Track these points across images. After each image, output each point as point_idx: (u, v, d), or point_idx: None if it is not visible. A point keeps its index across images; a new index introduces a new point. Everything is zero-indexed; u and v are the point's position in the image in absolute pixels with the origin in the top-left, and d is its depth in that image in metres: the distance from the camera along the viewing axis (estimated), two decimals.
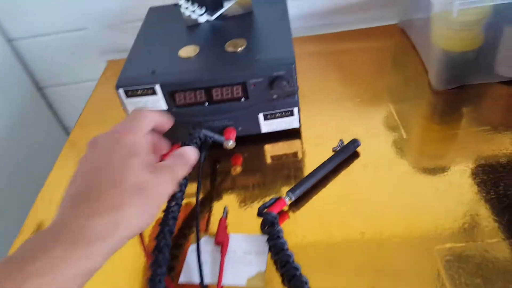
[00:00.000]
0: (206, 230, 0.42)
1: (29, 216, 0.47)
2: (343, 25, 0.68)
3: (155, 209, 0.32)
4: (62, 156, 0.55)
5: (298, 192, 0.42)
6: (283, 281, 0.36)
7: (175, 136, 0.48)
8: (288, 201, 0.41)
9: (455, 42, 0.46)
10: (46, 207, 0.48)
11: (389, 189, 0.42)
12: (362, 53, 0.63)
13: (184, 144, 0.43)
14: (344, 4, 0.67)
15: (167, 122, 0.39)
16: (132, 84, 0.44)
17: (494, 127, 0.46)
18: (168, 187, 0.33)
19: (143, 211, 0.30)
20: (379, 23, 0.67)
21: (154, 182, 0.32)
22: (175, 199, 0.39)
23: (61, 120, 0.83)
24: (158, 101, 0.45)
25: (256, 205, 0.43)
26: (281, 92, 0.43)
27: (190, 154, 0.37)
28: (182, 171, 0.36)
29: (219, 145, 0.46)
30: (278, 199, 0.42)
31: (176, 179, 0.34)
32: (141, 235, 0.40)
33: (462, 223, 0.38)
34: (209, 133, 0.44)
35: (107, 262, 0.28)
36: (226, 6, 0.54)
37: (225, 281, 0.37)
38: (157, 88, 0.43)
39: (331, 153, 0.46)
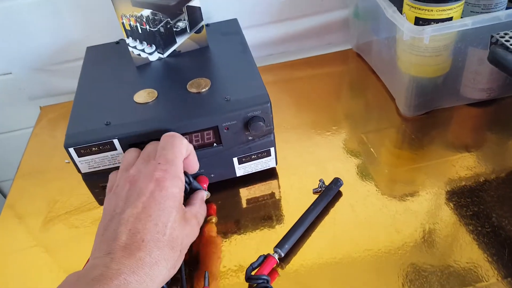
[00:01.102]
0: None
1: None
2: (298, 53, 0.67)
3: (181, 260, 0.34)
4: (2, 222, 0.46)
5: (287, 246, 0.38)
6: None
7: None
8: (277, 258, 0.37)
9: (424, 68, 0.46)
10: None
11: (382, 233, 0.40)
12: (321, 81, 0.62)
13: None
14: (296, 31, 0.66)
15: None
16: (85, 141, 0.37)
17: (466, 148, 0.46)
18: (194, 237, 0.35)
19: (174, 266, 0.32)
20: (335, 49, 0.67)
21: (185, 235, 0.33)
22: None
23: None
24: (118, 156, 0.39)
25: (240, 260, 0.38)
26: (257, 133, 0.39)
27: (204, 197, 0.40)
28: (203, 217, 0.38)
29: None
30: (266, 257, 0.37)
31: (199, 226, 0.37)
32: None
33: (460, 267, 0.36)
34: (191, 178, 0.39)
35: None
36: (179, 41, 0.50)
37: None
38: (116, 142, 0.38)
39: (310, 193, 0.44)
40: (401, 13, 0.46)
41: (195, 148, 0.40)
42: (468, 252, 0.37)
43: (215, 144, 0.41)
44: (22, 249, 0.43)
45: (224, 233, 0.42)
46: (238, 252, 0.40)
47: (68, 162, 0.52)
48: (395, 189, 0.44)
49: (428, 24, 0.44)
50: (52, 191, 0.49)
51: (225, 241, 0.41)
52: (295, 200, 0.43)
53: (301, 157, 0.49)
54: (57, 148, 0.54)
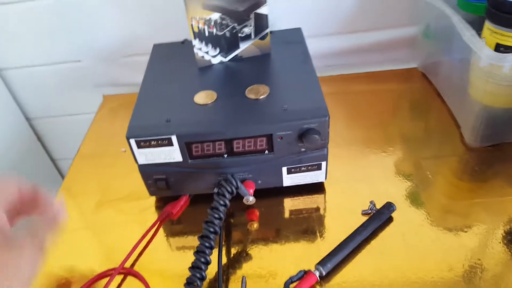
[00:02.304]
0: None
1: None
2: (359, 66, 0.66)
3: None
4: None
5: (329, 265, 0.37)
6: None
7: (187, 188, 0.44)
8: (317, 275, 0.36)
9: (499, 98, 0.43)
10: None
11: (434, 263, 0.37)
12: (380, 97, 0.60)
13: (218, 193, 0.39)
14: (360, 44, 0.64)
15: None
16: (145, 134, 0.39)
17: None
18: (32, 265, 0.27)
19: None
20: (398, 66, 0.65)
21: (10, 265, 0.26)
22: (196, 273, 0.35)
23: (50, 154, 0.78)
24: (173, 152, 0.40)
25: (277, 269, 0.38)
26: (311, 146, 0.39)
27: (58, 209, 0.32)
28: (45, 235, 0.30)
29: (233, 197, 0.41)
30: (306, 272, 0.37)
31: (41, 248, 0.29)
32: None
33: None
34: (239, 183, 0.40)
35: None
36: (242, 47, 0.50)
37: None
38: (174, 139, 0.39)
39: (357, 211, 0.42)
40: (480, 37, 0.44)
41: (246, 153, 0.40)
42: None
43: (266, 151, 0.41)
44: (73, 230, 0.45)
45: (265, 240, 0.41)
46: (276, 262, 0.39)
47: (124, 151, 0.54)
48: (451, 221, 0.41)
49: (511, 51, 0.41)
50: (106, 176, 0.52)
51: (265, 248, 0.40)
52: (341, 219, 0.42)
53: (352, 175, 0.47)
54: (115, 136, 0.57)
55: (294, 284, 0.36)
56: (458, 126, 0.51)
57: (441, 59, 0.55)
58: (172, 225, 0.44)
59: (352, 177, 0.47)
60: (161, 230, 0.44)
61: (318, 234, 0.41)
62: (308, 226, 0.42)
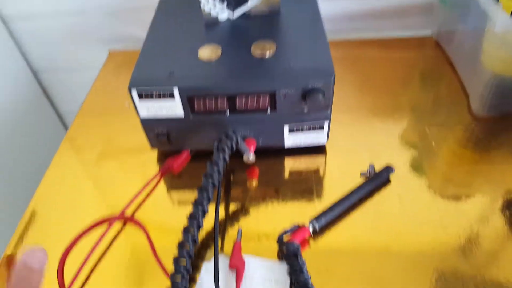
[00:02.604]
0: (221, 249, 0.38)
1: (27, 210, 0.43)
2: (371, 31, 0.64)
3: None
4: (60, 152, 0.50)
5: (323, 221, 0.38)
6: None
7: (189, 143, 0.45)
8: (311, 230, 0.37)
9: (511, 66, 0.42)
10: (45, 201, 0.44)
11: (425, 221, 0.38)
12: (390, 64, 0.58)
13: (218, 147, 0.39)
14: (374, 8, 0.62)
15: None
16: (147, 85, 0.39)
17: None
18: None
19: None
20: (412, 33, 0.63)
21: None
22: (194, 220, 0.36)
23: (55, 107, 0.78)
24: (175, 106, 0.40)
25: (273, 226, 0.39)
26: (314, 105, 0.39)
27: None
28: None
29: (234, 155, 0.41)
30: (300, 227, 0.37)
31: None
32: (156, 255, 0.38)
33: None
34: (240, 139, 0.40)
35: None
36: (251, 3, 0.49)
37: None
38: (175, 91, 0.39)
39: (356, 174, 0.42)
40: (498, 1, 0.42)
41: (248, 110, 0.40)
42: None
43: (269, 110, 0.41)
44: (74, 178, 0.46)
45: (263, 198, 0.42)
46: (273, 218, 0.40)
47: (128, 106, 0.55)
48: (450, 188, 0.41)
49: None
50: (109, 130, 0.52)
51: (262, 205, 0.41)
52: (339, 180, 0.42)
53: (354, 140, 0.47)
54: (120, 91, 0.57)
55: (288, 236, 0.37)
56: (467, 95, 0.50)
57: (457, 27, 0.53)
58: (173, 179, 0.45)
59: (354, 141, 0.47)
60: (162, 184, 0.45)
61: (315, 195, 0.42)
62: (307, 186, 0.42)
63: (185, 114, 0.41)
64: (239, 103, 0.40)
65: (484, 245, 0.36)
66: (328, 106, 0.40)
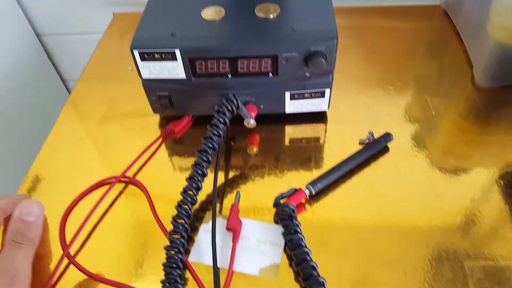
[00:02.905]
0: (219, 212, 0.39)
1: (29, 172, 0.44)
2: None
3: None
4: (62, 116, 0.50)
5: (319, 186, 0.38)
6: (297, 278, 0.33)
7: (191, 108, 0.45)
8: (307, 194, 0.38)
9: None
10: (47, 163, 0.45)
11: (421, 194, 0.38)
12: (396, 34, 0.57)
13: (218, 110, 0.39)
14: None
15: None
16: (149, 46, 0.39)
17: None
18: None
19: None
20: (420, 2, 0.61)
21: None
22: (193, 180, 0.37)
23: (59, 72, 0.78)
24: (177, 68, 0.40)
25: (271, 191, 0.40)
26: (316, 70, 0.38)
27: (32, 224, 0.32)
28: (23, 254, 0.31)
29: (235, 121, 0.42)
30: (297, 190, 0.38)
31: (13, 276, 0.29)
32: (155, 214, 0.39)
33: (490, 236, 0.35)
34: (241, 103, 0.40)
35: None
36: None
37: (237, 268, 0.35)
38: (177, 53, 0.39)
39: (356, 142, 0.43)
40: None
41: (250, 74, 0.40)
42: (508, 246, 0.34)
43: (271, 74, 0.40)
44: (76, 141, 0.47)
45: (262, 165, 0.42)
46: (271, 184, 0.41)
47: (131, 69, 0.55)
48: (448, 158, 0.41)
49: None
50: (112, 93, 0.52)
51: (262, 172, 0.42)
52: (338, 148, 0.43)
53: (355, 108, 0.47)
54: (123, 55, 0.56)
55: (284, 200, 0.37)
56: (471, 66, 0.50)
57: None
58: (174, 144, 0.46)
59: (355, 110, 0.47)
60: (163, 148, 0.45)
61: (314, 162, 0.42)
62: (306, 154, 0.43)
63: (186, 76, 0.41)
64: (241, 66, 0.40)
65: (481, 218, 0.36)
66: (330, 71, 0.40)
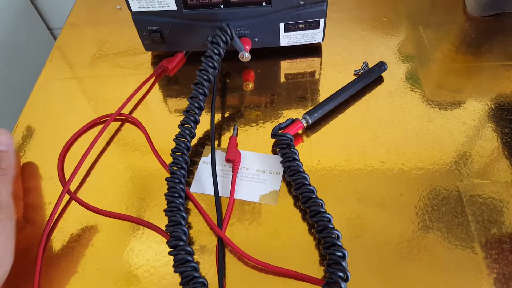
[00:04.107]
0: (218, 146, 0.39)
1: (19, 119, 0.43)
2: None
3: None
4: (50, 60, 0.49)
5: (316, 115, 0.39)
6: (297, 202, 0.35)
7: (183, 44, 0.44)
8: (304, 123, 0.38)
9: None
10: (37, 110, 0.44)
11: (414, 120, 0.39)
12: None
13: (212, 41, 0.39)
14: None
15: None
16: None
17: None
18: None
19: None
20: None
21: None
22: (190, 113, 0.37)
23: (44, 19, 0.75)
24: None
25: (268, 126, 0.40)
26: None
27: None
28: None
29: (230, 57, 0.41)
30: (294, 120, 0.39)
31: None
32: (154, 148, 0.39)
33: (479, 162, 0.36)
34: (235, 36, 0.39)
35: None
36: None
37: (238, 195, 0.36)
38: None
39: (351, 74, 0.43)
40: None
41: (243, 3, 0.39)
42: (502, 175, 0.35)
43: (264, 3, 0.40)
44: (67, 81, 0.46)
45: (258, 100, 0.42)
46: (268, 119, 0.41)
47: (120, 8, 0.53)
48: (442, 83, 0.42)
49: None
50: (102, 33, 0.51)
51: (258, 107, 0.42)
52: (334, 80, 0.43)
53: (350, 39, 0.47)
54: None
55: (282, 130, 0.38)
56: None
57: None
58: (168, 83, 0.45)
59: (350, 41, 0.47)
60: (157, 87, 0.45)
61: (310, 94, 0.42)
62: (302, 87, 0.43)
63: (177, 7, 0.40)
64: None
65: (474, 140, 0.37)
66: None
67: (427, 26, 0.47)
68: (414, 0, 0.51)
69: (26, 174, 0.38)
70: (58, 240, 0.34)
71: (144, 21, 0.41)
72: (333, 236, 0.31)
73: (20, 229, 0.32)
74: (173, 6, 0.39)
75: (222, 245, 0.33)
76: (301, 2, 0.39)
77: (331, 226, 0.32)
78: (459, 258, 0.31)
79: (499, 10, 0.46)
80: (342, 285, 0.29)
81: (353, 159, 0.37)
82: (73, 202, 0.36)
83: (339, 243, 0.31)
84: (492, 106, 0.40)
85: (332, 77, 0.43)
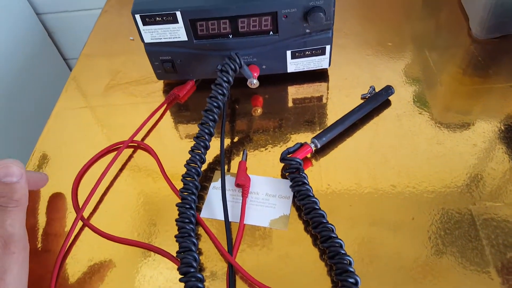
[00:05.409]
0: (228, 170, 0.40)
1: (36, 147, 0.45)
2: None
3: None
4: (66, 90, 0.51)
5: (324, 139, 0.39)
6: (307, 227, 0.35)
7: (194, 72, 0.45)
8: (313, 147, 0.39)
9: None
10: (52, 138, 0.45)
11: (423, 142, 0.39)
12: None
13: (221, 70, 0.40)
14: None
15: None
16: (150, 9, 0.39)
17: None
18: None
19: None
20: None
21: None
22: (200, 139, 0.38)
23: (60, 50, 0.78)
24: (178, 30, 0.40)
25: (276, 150, 0.40)
26: (316, 25, 0.39)
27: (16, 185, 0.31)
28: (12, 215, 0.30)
29: (239, 84, 0.42)
30: (302, 145, 0.39)
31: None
32: (165, 174, 0.40)
33: (491, 184, 0.36)
34: (243, 64, 0.40)
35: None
36: None
37: (247, 221, 0.36)
38: (178, 15, 0.39)
39: (359, 100, 0.43)
40: None
41: (251, 33, 0.41)
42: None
43: (271, 32, 0.41)
44: (82, 110, 0.48)
45: (266, 125, 0.43)
46: (276, 143, 0.41)
47: (133, 40, 0.55)
48: (450, 105, 0.42)
49: None
50: (115, 64, 0.53)
51: (266, 131, 0.42)
52: (341, 103, 0.44)
53: (356, 64, 0.48)
54: (125, 26, 0.57)
55: (290, 155, 0.38)
56: (467, 19, 0.50)
57: None
58: (179, 110, 0.46)
59: (356, 66, 0.47)
60: (168, 114, 0.46)
61: (317, 118, 0.43)
62: (310, 112, 0.44)
63: (188, 38, 0.41)
64: (242, 26, 0.40)
65: (485, 163, 0.37)
66: (329, 26, 0.40)
67: (433, 49, 0.48)
68: (418, 24, 0.52)
69: (53, 204, 0.39)
70: (71, 267, 0.34)
71: (156, 52, 0.43)
72: (345, 262, 0.31)
73: (35, 258, 0.33)
74: (184, 37, 0.41)
75: (233, 272, 0.33)
76: (307, 30, 0.40)
77: (343, 251, 0.31)
78: (475, 284, 0.30)
79: (504, 32, 0.47)
80: None
81: (364, 182, 0.37)
82: (86, 228, 0.37)
83: (351, 269, 0.30)
84: (502, 127, 0.39)
85: (340, 102, 0.44)
